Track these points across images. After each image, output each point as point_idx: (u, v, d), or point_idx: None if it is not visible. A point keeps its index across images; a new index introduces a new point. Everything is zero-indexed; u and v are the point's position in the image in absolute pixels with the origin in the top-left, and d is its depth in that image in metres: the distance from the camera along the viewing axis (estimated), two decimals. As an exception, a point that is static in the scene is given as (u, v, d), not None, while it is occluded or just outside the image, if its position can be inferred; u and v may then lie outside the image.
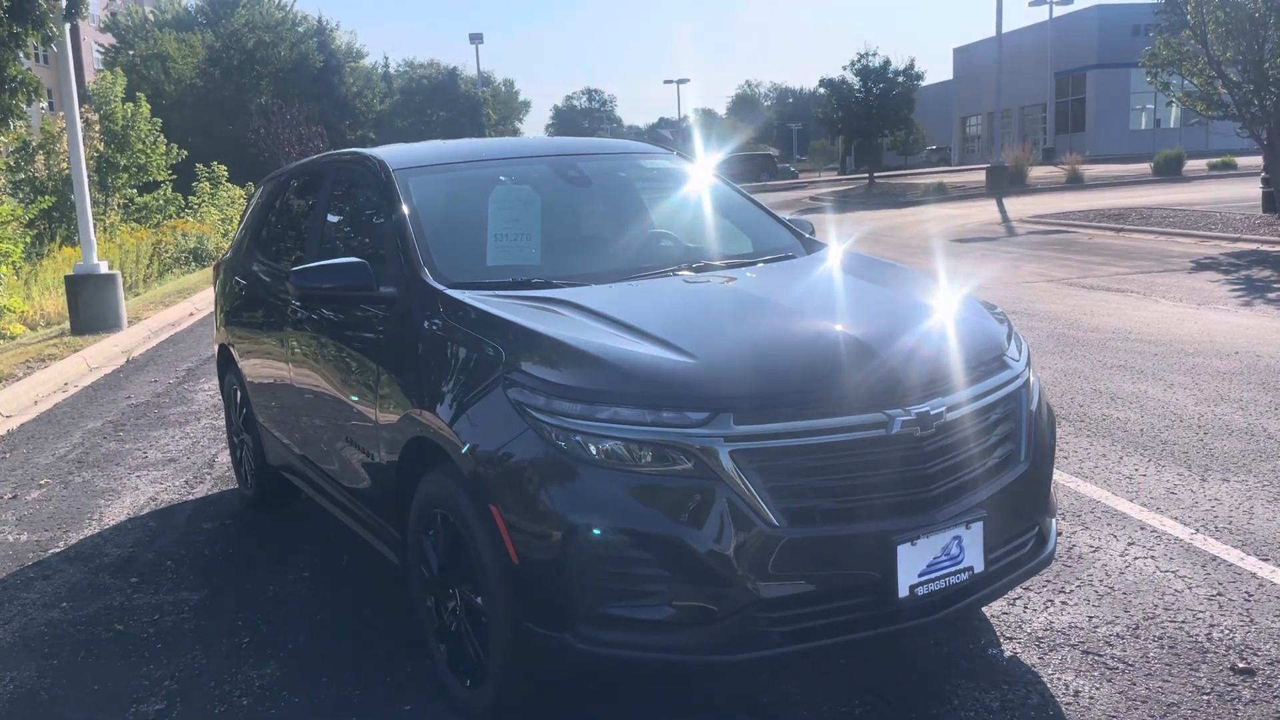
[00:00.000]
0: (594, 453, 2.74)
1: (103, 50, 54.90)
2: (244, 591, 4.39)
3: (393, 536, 3.62)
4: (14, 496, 5.97)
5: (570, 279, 3.63)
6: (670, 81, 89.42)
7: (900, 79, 40.05)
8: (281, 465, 4.96)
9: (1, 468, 6.62)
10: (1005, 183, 30.43)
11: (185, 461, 6.50)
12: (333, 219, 4.69)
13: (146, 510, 5.57)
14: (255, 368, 5.09)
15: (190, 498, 5.76)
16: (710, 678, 3.33)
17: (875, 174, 41.89)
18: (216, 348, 5.86)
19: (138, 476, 6.22)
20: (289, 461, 4.79)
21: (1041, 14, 49.57)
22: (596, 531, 2.72)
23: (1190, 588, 3.86)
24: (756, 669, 3.30)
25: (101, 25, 55.30)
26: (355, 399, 3.77)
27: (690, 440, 2.71)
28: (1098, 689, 3.21)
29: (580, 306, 3.28)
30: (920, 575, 2.80)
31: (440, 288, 3.49)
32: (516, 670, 2.94)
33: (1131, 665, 3.34)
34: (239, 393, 5.46)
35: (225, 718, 3.35)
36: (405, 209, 3.87)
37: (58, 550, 5.03)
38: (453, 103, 66.09)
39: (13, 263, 12.37)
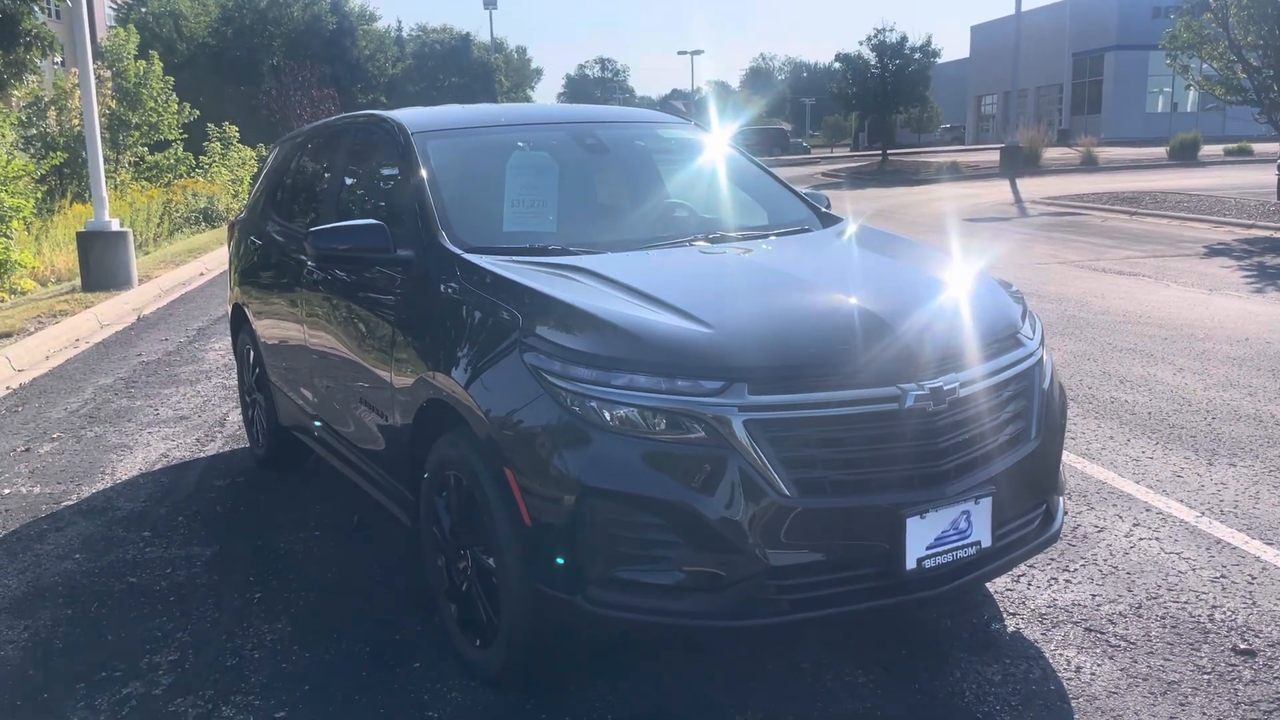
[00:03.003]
0: (608, 419, 2.76)
1: (115, 6, 54.64)
2: (255, 548, 4.44)
3: (405, 497, 3.66)
4: (27, 450, 6.02)
5: (586, 246, 3.64)
6: (684, 52, 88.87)
7: (917, 56, 39.66)
8: (294, 425, 5.00)
9: (14, 421, 6.67)
10: (1019, 163, 30.23)
11: (197, 419, 6.55)
12: (349, 181, 4.69)
13: (159, 466, 5.62)
14: (269, 327, 5.12)
15: (202, 455, 5.81)
16: (718, 643, 3.38)
17: (888, 151, 41.64)
18: (230, 307, 5.89)
19: (149, 433, 6.26)
20: (301, 421, 4.83)
21: (1062, -7, 49.11)
22: (609, 496, 2.74)
23: (1194, 569, 3.89)
24: (764, 636, 3.34)
25: (114, -19, 54.99)
26: (370, 361, 3.80)
27: (704, 409, 2.73)
28: (1099, 666, 3.25)
29: (596, 274, 3.29)
30: (928, 548, 2.83)
31: (457, 251, 3.50)
32: (527, 631, 2.98)
33: (1133, 644, 3.37)
34: (252, 352, 5.49)
35: (237, 670, 3.40)
36: (424, 172, 3.87)
37: (70, 503, 5.09)
38: (465, 69, 65.80)
39: (24, 218, 12.39)
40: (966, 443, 2.93)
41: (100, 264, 11.84)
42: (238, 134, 27.43)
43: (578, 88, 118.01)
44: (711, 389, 2.75)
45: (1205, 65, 18.75)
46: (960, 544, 2.88)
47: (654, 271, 3.45)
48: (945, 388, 2.86)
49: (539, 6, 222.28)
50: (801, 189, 4.62)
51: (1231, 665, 3.23)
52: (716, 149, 4.70)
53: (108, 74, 21.67)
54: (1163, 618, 3.53)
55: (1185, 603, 3.63)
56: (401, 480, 3.67)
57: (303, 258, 4.50)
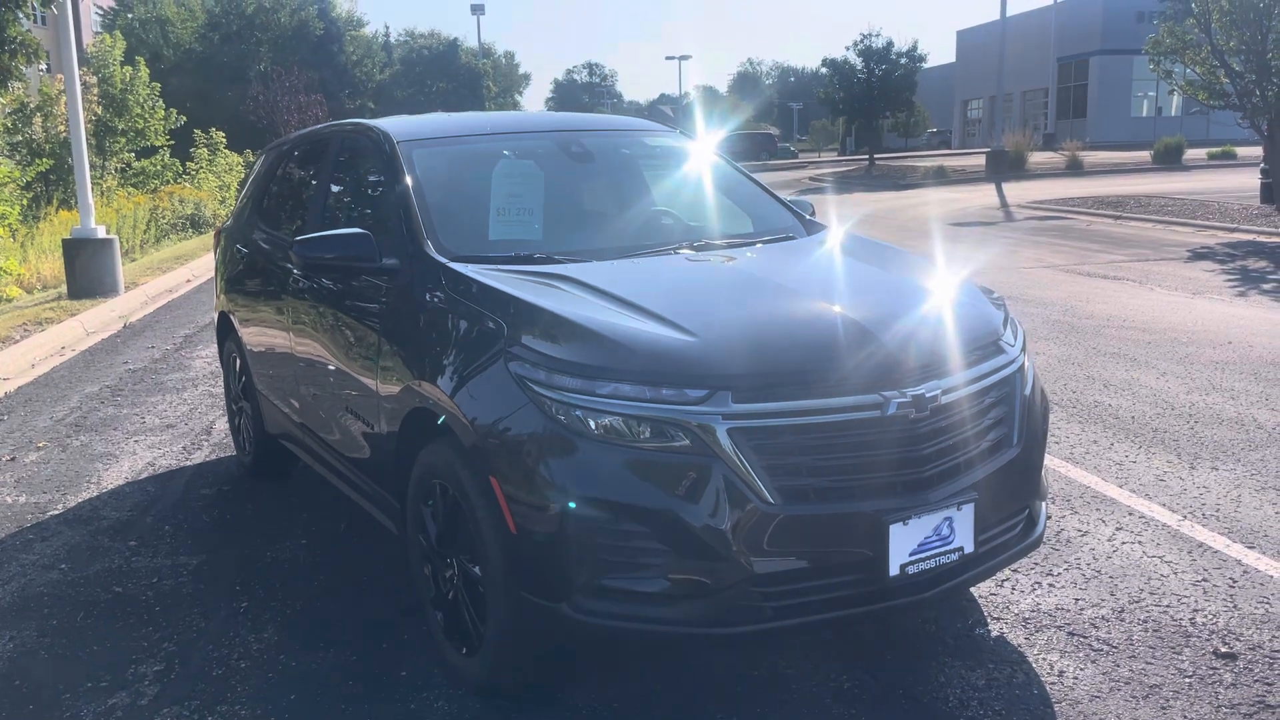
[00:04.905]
0: (593, 427, 2.78)
1: (101, 12, 54.42)
2: (242, 557, 4.43)
3: (391, 505, 3.66)
4: (12, 459, 6.00)
5: (572, 255, 3.66)
6: (672, 58, 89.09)
7: (903, 60, 39.88)
8: (280, 433, 4.99)
9: (-1, 430, 6.65)
10: (1005, 167, 30.37)
11: (183, 428, 6.53)
12: (335, 189, 4.70)
13: (144, 475, 5.61)
14: (255, 336, 5.12)
15: (188, 464, 5.80)
16: (703, 650, 3.39)
17: (875, 155, 41.78)
18: (216, 315, 5.88)
19: (135, 441, 6.25)
20: (288, 430, 4.83)
21: (1046, -2, 49.38)
22: (594, 504, 2.76)
23: (1176, 573, 3.92)
24: (749, 643, 3.35)
25: (100, -13, 54.79)
26: (356, 369, 3.80)
27: (688, 417, 2.75)
28: (1082, 669, 3.27)
29: (582, 282, 3.31)
30: (911, 554, 2.85)
31: (443, 260, 3.52)
32: (512, 639, 2.99)
33: (1116, 647, 3.40)
34: (238, 360, 5.48)
35: (223, 680, 3.40)
36: (409, 181, 3.88)
37: (56, 512, 5.07)
38: (453, 74, 65.71)
39: (9, 225, 12.34)
40: (949, 449, 2.96)
41: (86, 271, 11.79)
42: (225, 140, 27.33)
43: (566, 93, 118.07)
44: (696, 397, 2.77)
45: (1188, 70, 18.85)
46: (943, 550, 2.90)
47: (639, 280, 3.47)
48: (927, 395, 2.89)
49: (527, 12, 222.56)
50: (786, 196, 4.65)
51: (1213, 669, 3.26)
52: (702, 157, 4.72)
53: (94, 80, 21.56)
54: (1145, 621, 3.56)
55: (1167, 606, 3.66)
56: (388, 488, 3.67)
57: (288, 266, 4.51)
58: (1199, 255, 12.94)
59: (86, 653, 3.64)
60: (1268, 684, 3.16)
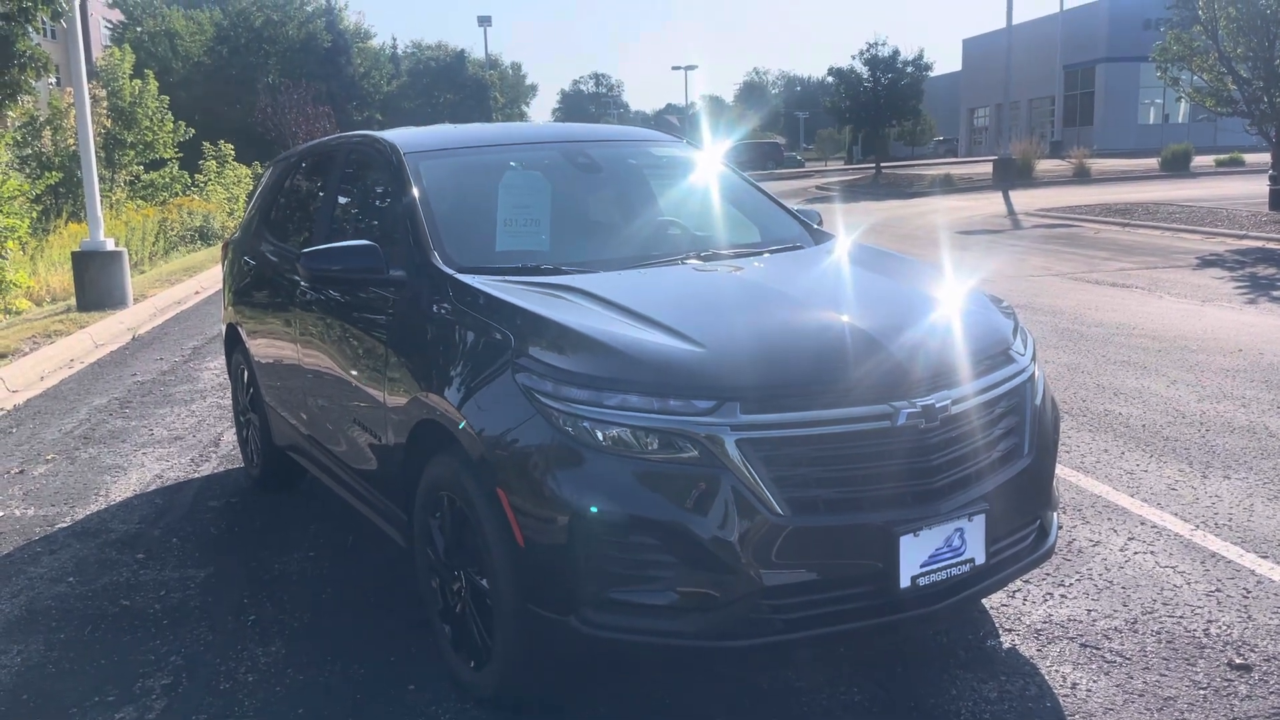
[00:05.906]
0: (601, 439, 2.76)
1: (111, 26, 54.81)
2: (250, 570, 4.42)
3: (399, 518, 3.65)
4: (21, 471, 6.00)
5: (579, 265, 3.65)
6: (678, 68, 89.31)
7: (909, 69, 39.91)
8: (288, 445, 4.99)
9: (8, 442, 6.66)
10: (1012, 175, 30.33)
11: (191, 439, 6.53)
12: (342, 201, 4.70)
13: (153, 487, 5.61)
14: (263, 347, 5.12)
15: (196, 476, 5.80)
16: (713, 663, 3.37)
17: (882, 164, 41.82)
18: (224, 327, 5.89)
19: (144, 453, 6.25)
20: (296, 442, 4.83)
21: (1052, 6, 49.44)
22: (601, 516, 2.74)
23: (1189, 583, 3.89)
24: (758, 656, 3.32)
25: (110, 1, 55.17)
26: (363, 381, 3.80)
27: (696, 429, 2.73)
28: (1095, 681, 3.24)
29: (589, 293, 3.30)
30: (922, 566, 2.83)
31: (450, 272, 3.51)
32: (520, 652, 2.97)
33: (1129, 659, 3.37)
34: (246, 372, 5.48)
35: (230, 694, 3.39)
36: (416, 192, 3.88)
37: (64, 525, 5.07)
38: (460, 85, 65.95)
39: (19, 238, 12.37)
40: (959, 460, 2.94)
41: (95, 284, 11.83)
42: (233, 152, 27.45)
43: (572, 103, 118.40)
44: (704, 408, 2.75)
45: (1195, 77, 18.87)
46: (954, 561, 2.88)
47: (646, 290, 3.46)
48: (937, 405, 2.87)
49: (534, 24, 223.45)
50: (794, 205, 4.64)
51: (1227, 680, 3.22)
52: (708, 167, 4.71)
53: (103, 93, 21.70)
54: (1158, 632, 3.53)
55: (1181, 617, 3.63)
56: (395, 501, 3.66)
57: (296, 278, 4.50)
58: (1208, 262, 12.89)
59: (94, 666, 3.63)
60: (1283, 696, 3.13)
